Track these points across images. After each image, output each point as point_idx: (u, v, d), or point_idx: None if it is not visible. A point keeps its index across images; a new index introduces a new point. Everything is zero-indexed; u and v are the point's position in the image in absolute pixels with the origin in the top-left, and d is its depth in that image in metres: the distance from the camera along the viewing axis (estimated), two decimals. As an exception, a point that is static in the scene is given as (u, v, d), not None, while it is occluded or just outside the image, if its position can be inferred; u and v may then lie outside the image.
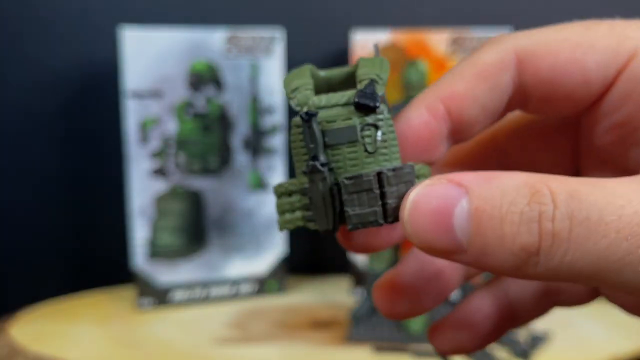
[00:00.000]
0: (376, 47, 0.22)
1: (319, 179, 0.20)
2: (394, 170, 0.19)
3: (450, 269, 0.24)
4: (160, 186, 0.67)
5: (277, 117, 0.70)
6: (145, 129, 0.65)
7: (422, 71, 0.68)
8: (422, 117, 0.21)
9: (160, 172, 0.67)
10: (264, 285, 0.72)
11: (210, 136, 0.68)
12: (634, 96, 0.20)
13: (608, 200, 0.16)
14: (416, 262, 0.24)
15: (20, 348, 0.58)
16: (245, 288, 0.71)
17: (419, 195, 0.18)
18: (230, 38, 0.67)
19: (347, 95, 0.20)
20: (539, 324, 0.62)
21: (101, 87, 0.73)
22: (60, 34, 0.72)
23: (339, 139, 0.20)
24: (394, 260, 0.68)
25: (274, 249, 0.72)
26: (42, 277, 0.75)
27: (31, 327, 0.63)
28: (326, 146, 0.20)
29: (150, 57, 0.64)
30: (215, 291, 0.70)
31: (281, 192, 0.21)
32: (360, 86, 0.20)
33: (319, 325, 0.64)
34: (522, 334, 0.60)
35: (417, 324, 0.60)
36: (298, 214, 0.21)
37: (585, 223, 0.16)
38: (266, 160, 0.70)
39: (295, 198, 0.21)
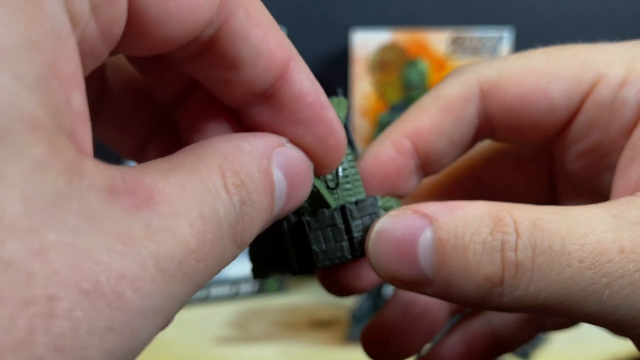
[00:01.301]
0: (340, 89, 0.22)
1: (284, 219, 0.19)
2: (356, 203, 0.19)
3: (436, 307, 0.24)
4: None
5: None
6: (145, 128, 0.65)
7: (422, 71, 0.68)
8: (389, 153, 0.21)
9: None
10: (264, 285, 0.72)
11: (210, 136, 0.68)
12: (600, 123, 0.20)
13: (571, 229, 0.16)
14: (401, 303, 0.24)
15: (20, 348, 0.58)
16: (245, 288, 0.71)
17: (383, 225, 0.17)
18: (230, 38, 0.67)
19: None
20: (539, 324, 0.62)
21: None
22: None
23: None
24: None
25: (274, 248, 0.72)
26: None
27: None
28: None
29: (150, 57, 0.64)
30: (215, 291, 0.70)
31: (252, 242, 0.21)
32: None
33: (319, 325, 0.64)
34: (522, 334, 0.61)
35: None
36: (269, 261, 0.20)
37: (547, 252, 0.16)
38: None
39: (264, 246, 0.21)
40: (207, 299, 0.70)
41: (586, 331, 0.62)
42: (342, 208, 0.19)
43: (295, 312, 0.67)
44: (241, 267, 0.71)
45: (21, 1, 0.11)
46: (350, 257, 0.19)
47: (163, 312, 0.12)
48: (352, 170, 0.20)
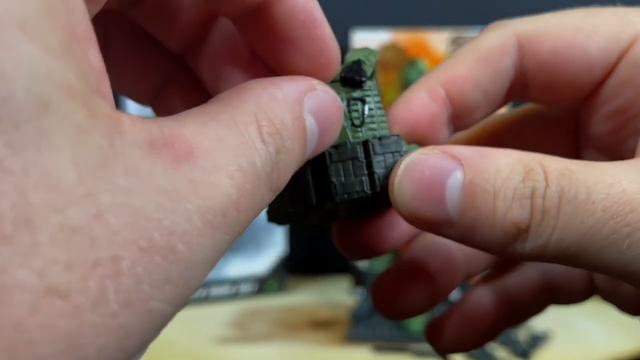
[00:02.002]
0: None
1: None
2: (380, 139, 0.19)
3: (452, 266, 0.24)
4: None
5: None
6: (145, 128, 0.65)
7: (422, 71, 0.68)
8: (423, 100, 0.21)
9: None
10: (264, 285, 0.72)
11: (210, 136, 0.68)
12: (634, 82, 0.20)
13: (597, 179, 0.16)
14: (416, 258, 0.24)
15: (20, 348, 0.58)
16: (245, 288, 0.71)
17: (412, 163, 0.17)
18: (230, 38, 0.67)
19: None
20: (539, 324, 0.62)
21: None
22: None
23: None
24: (394, 260, 0.67)
25: (274, 248, 0.72)
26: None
27: (31, 327, 0.63)
28: None
29: (150, 57, 0.64)
30: (215, 291, 0.70)
31: None
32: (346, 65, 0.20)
33: (319, 325, 0.64)
34: (522, 334, 0.60)
35: (417, 324, 0.60)
36: (285, 198, 0.20)
37: (573, 201, 0.16)
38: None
39: None
40: (207, 299, 0.70)
41: (586, 331, 0.62)
42: (365, 142, 0.19)
43: (295, 312, 0.67)
44: (241, 267, 0.71)
45: None
46: (369, 192, 0.19)
47: (210, 261, 0.13)
48: (379, 112, 0.20)
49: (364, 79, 0.19)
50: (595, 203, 0.16)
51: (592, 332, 0.62)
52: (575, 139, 0.24)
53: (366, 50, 0.21)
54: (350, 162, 0.19)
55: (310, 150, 0.17)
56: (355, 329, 0.61)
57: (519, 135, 0.25)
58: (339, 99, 0.18)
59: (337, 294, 0.72)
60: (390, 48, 0.69)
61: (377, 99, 0.20)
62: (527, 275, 0.25)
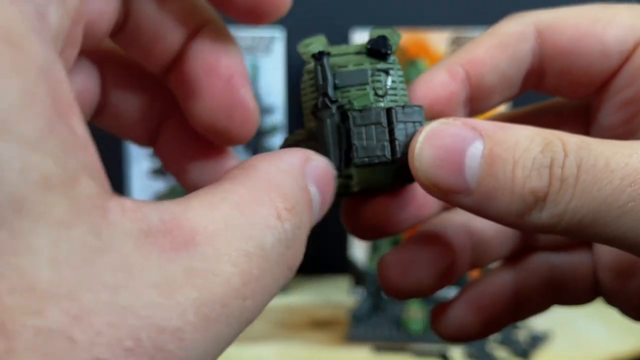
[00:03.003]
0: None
1: (327, 115, 0.20)
2: (403, 107, 0.19)
3: (459, 249, 0.24)
4: (160, 186, 0.67)
5: (277, 117, 0.70)
6: (145, 128, 0.65)
7: (422, 71, 0.68)
8: (442, 78, 0.22)
9: (160, 172, 0.67)
10: (264, 285, 0.72)
11: (210, 136, 0.68)
12: None
13: (616, 150, 0.16)
14: (426, 237, 0.24)
15: (20, 348, 0.58)
16: (245, 288, 0.71)
17: (432, 130, 0.18)
18: (230, 38, 0.67)
19: (359, 45, 0.20)
20: (539, 324, 0.62)
21: (101, 87, 0.72)
22: (60, 33, 0.72)
23: (349, 81, 0.20)
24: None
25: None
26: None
27: (31, 327, 0.63)
28: (336, 88, 0.20)
29: (150, 57, 0.64)
30: (215, 291, 0.70)
31: (288, 145, 0.21)
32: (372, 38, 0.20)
33: (319, 325, 0.64)
34: (522, 334, 0.60)
35: (416, 324, 0.60)
36: None
37: (592, 170, 0.16)
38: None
39: (301, 146, 0.20)
40: (207, 299, 0.70)
41: (586, 331, 0.62)
42: (389, 109, 0.19)
43: (295, 312, 0.67)
44: (241, 267, 0.71)
45: (4, 50, 0.10)
46: (390, 157, 0.19)
47: (210, 355, 0.12)
48: (401, 85, 0.20)
49: (389, 52, 0.20)
50: (614, 171, 0.16)
51: (592, 332, 0.62)
52: (587, 132, 0.24)
53: (389, 30, 0.21)
54: (373, 126, 0.19)
55: (315, 221, 0.17)
56: (355, 329, 0.61)
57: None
58: (330, 165, 0.18)
59: (337, 294, 0.72)
60: (390, 48, 0.69)
61: (399, 72, 0.20)
62: (533, 270, 0.25)
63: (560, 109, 0.25)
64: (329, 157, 0.19)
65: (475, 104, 0.22)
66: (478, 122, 0.18)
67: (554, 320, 0.63)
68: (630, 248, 0.17)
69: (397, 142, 0.19)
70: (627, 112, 0.22)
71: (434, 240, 0.23)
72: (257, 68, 0.69)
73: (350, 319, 0.62)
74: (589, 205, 0.16)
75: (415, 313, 0.60)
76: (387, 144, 0.19)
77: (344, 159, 0.19)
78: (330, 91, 0.20)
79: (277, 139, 0.70)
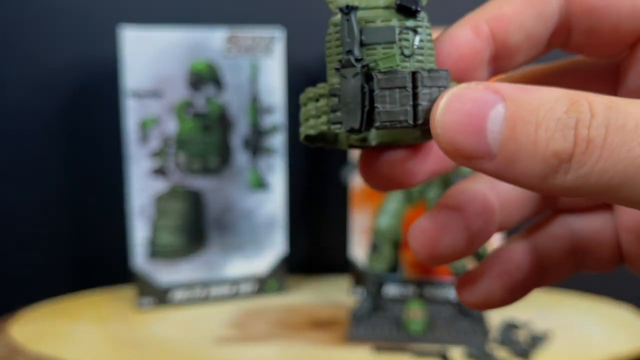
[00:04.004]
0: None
1: (351, 74, 0.19)
2: (429, 71, 0.19)
3: (487, 211, 0.24)
4: (160, 186, 0.67)
5: (277, 117, 0.70)
6: (145, 128, 0.65)
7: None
8: (467, 35, 0.21)
9: (160, 172, 0.67)
10: (264, 285, 0.72)
11: (210, 136, 0.68)
12: None
13: None
14: (455, 202, 0.23)
15: (20, 348, 0.58)
16: (245, 288, 0.71)
17: (454, 95, 0.17)
18: (230, 38, 0.67)
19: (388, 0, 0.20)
20: (539, 324, 0.62)
21: (101, 86, 0.73)
22: (61, 33, 0.72)
23: (376, 38, 0.19)
24: (394, 260, 0.67)
25: (274, 248, 0.72)
26: (42, 277, 0.75)
27: (31, 327, 0.63)
28: (362, 45, 0.19)
29: (150, 57, 0.64)
30: (215, 291, 0.70)
31: (308, 98, 0.20)
32: None
33: (319, 325, 0.64)
34: (522, 334, 0.60)
35: (417, 324, 0.60)
36: (324, 118, 0.20)
37: (620, 131, 0.16)
38: (266, 160, 0.70)
39: (322, 102, 0.20)
40: (207, 299, 0.70)
41: (586, 331, 0.62)
42: (414, 73, 0.19)
43: (295, 312, 0.67)
44: (241, 267, 0.71)
45: None
46: (412, 123, 0.19)
47: None
48: (428, 44, 0.20)
49: (419, 9, 0.19)
50: None
51: (592, 332, 0.62)
52: (615, 93, 0.24)
53: None
54: (397, 90, 0.19)
55: None
56: (355, 329, 0.61)
57: (557, 86, 0.25)
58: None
59: (337, 294, 0.72)
60: (390, 48, 0.69)
61: (428, 31, 0.20)
62: (555, 235, 0.25)
63: (587, 68, 0.24)
64: (350, 116, 0.19)
65: (499, 62, 0.22)
66: (501, 85, 0.17)
67: (554, 320, 0.63)
68: None
69: (420, 107, 0.19)
70: None
71: (464, 203, 0.23)
72: (257, 68, 0.69)
73: (350, 319, 0.62)
74: (616, 167, 0.16)
75: (415, 313, 0.60)
76: (410, 108, 0.19)
77: (365, 120, 0.19)
78: (355, 49, 0.19)
79: (277, 139, 0.70)
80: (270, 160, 0.70)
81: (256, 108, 0.69)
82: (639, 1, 0.20)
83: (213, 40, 0.67)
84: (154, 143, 0.66)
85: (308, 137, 0.21)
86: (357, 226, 0.71)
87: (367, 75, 0.19)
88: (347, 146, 0.21)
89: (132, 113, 0.64)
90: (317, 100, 0.20)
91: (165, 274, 0.68)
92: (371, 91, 0.19)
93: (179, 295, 0.69)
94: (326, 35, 0.20)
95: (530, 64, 0.24)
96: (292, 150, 0.73)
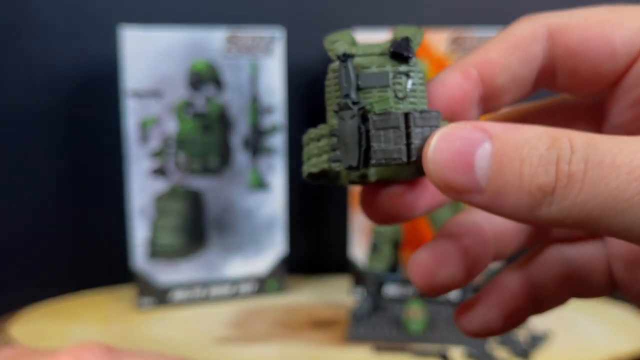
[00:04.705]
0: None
1: (348, 116, 0.20)
2: (421, 112, 0.20)
3: (483, 241, 0.25)
4: (160, 186, 0.67)
5: (277, 117, 0.70)
6: (145, 128, 0.65)
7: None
8: (456, 79, 0.23)
9: (160, 172, 0.67)
10: (264, 285, 0.72)
11: (210, 136, 0.68)
12: None
13: (623, 147, 0.17)
14: (451, 235, 0.24)
15: (20, 348, 0.58)
16: (245, 288, 0.71)
17: (444, 134, 0.19)
18: (230, 38, 0.67)
19: (382, 46, 0.21)
20: (539, 324, 0.62)
21: (101, 86, 0.73)
22: (61, 33, 0.72)
23: (371, 83, 0.21)
24: (394, 261, 0.68)
25: (274, 248, 0.72)
26: (42, 277, 0.75)
27: (31, 327, 0.63)
28: (358, 89, 0.21)
29: (150, 57, 0.64)
30: (215, 291, 0.70)
31: (310, 139, 0.22)
32: (395, 40, 0.21)
33: (319, 325, 0.64)
34: (522, 333, 0.60)
35: (417, 324, 0.60)
36: (324, 157, 0.21)
37: (599, 166, 0.17)
38: (266, 160, 0.70)
39: (323, 142, 0.22)
40: (207, 299, 0.70)
41: (586, 331, 0.62)
42: (407, 114, 0.20)
43: (295, 312, 0.67)
44: (241, 267, 0.71)
45: None
46: (405, 160, 0.20)
47: None
48: (421, 87, 0.21)
49: (410, 55, 0.21)
50: (621, 167, 0.17)
51: (592, 332, 0.62)
52: (599, 129, 0.25)
53: (413, 29, 0.22)
54: (391, 130, 0.20)
55: None
56: (355, 329, 0.61)
57: (544, 123, 0.26)
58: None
59: (337, 294, 0.72)
60: (390, 48, 0.69)
61: (420, 75, 0.21)
62: (549, 264, 0.26)
63: (573, 105, 0.26)
64: (349, 155, 0.21)
65: (488, 103, 0.23)
66: (488, 124, 0.18)
67: (554, 320, 0.63)
68: (637, 240, 0.17)
69: (413, 145, 0.20)
70: (636, 111, 0.23)
71: (460, 235, 0.24)
72: (257, 68, 0.69)
73: (350, 319, 0.62)
74: (596, 199, 0.17)
75: (415, 313, 0.60)
76: (403, 147, 0.20)
77: (362, 158, 0.20)
78: (352, 93, 0.21)
79: (277, 139, 0.70)
80: (270, 160, 0.70)
81: (256, 108, 0.69)
82: (615, 46, 0.22)
83: (213, 40, 0.67)
84: (154, 143, 0.66)
85: (311, 175, 0.22)
86: (357, 226, 0.71)
87: (364, 117, 0.20)
88: (348, 182, 0.23)
89: (132, 113, 0.64)
90: (318, 140, 0.22)
91: (165, 274, 0.68)
92: (367, 131, 0.20)
93: (179, 295, 0.69)
94: (325, 80, 0.22)
95: (520, 103, 0.25)
96: (292, 150, 0.73)
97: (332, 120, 0.21)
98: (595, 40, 0.22)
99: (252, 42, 0.68)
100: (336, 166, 0.21)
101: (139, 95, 0.64)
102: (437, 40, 0.68)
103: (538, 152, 0.17)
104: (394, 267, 0.69)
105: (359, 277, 0.71)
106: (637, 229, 0.17)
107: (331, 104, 0.21)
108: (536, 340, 0.59)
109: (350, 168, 0.21)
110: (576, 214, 0.17)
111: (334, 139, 0.21)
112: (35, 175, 0.73)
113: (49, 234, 0.75)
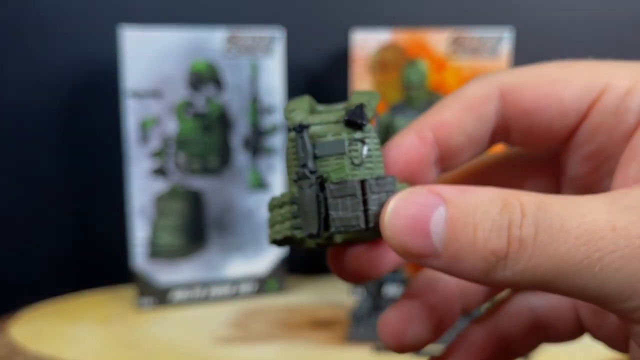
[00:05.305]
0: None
1: (307, 185, 0.21)
2: (376, 179, 0.21)
3: (449, 298, 0.25)
4: (160, 186, 0.67)
5: (277, 117, 0.70)
6: (145, 128, 0.65)
7: (422, 71, 0.68)
8: (412, 142, 0.23)
9: (160, 172, 0.67)
10: (264, 285, 0.72)
11: (210, 136, 0.68)
12: (604, 128, 0.22)
13: (571, 211, 0.17)
14: (418, 292, 0.25)
15: (20, 348, 0.58)
16: (245, 288, 0.71)
17: (400, 201, 0.19)
18: (230, 38, 0.67)
19: (338, 114, 0.22)
20: (539, 324, 0.62)
21: (101, 86, 0.73)
22: (61, 33, 0.72)
23: (327, 151, 0.21)
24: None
25: (274, 248, 0.72)
26: (42, 277, 0.75)
27: (31, 327, 0.63)
28: (315, 157, 0.21)
29: (150, 57, 0.64)
30: (215, 291, 0.70)
31: (273, 205, 0.22)
32: (350, 108, 0.22)
33: (319, 325, 0.64)
34: (522, 333, 0.60)
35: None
36: (287, 224, 0.22)
37: (548, 230, 0.17)
38: (266, 160, 0.70)
39: (285, 209, 0.22)
40: (207, 299, 0.70)
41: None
42: (363, 181, 0.20)
43: (295, 312, 0.67)
44: (241, 267, 0.71)
45: None
46: (364, 227, 0.20)
47: None
48: (376, 153, 0.22)
49: (365, 123, 0.21)
50: (569, 231, 0.17)
51: (592, 332, 0.62)
52: (556, 180, 0.25)
53: (368, 94, 0.23)
54: (348, 198, 0.20)
55: None
56: (355, 329, 0.61)
57: (503, 176, 0.27)
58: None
59: (337, 294, 0.72)
60: (390, 48, 0.69)
61: (375, 140, 0.22)
62: (515, 313, 0.26)
63: (531, 158, 0.26)
64: (309, 222, 0.21)
65: (445, 162, 0.24)
66: (442, 188, 0.19)
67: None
68: (592, 300, 0.18)
69: (370, 212, 0.20)
70: (591, 164, 0.23)
71: (427, 293, 0.25)
72: (257, 68, 0.69)
73: (350, 319, 0.62)
74: (547, 263, 0.17)
75: (415, 313, 0.60)
76: (361, 214, 0.20)
77: (322, 224, 0.21)
78: (309, 163, 0.21)
79: (277, 139, 0.70)
80: (270, 160, 0.70)
81: (256, 108, 0.69)
82: (565, 104, 0.22)
83: (213, 40, 0.67)
84: (154, 143, 0.66)
85: (275, 241, 0.23)
86: (357, 226, 0.71)
87: (322, 185, 0.21)
88: (314, 245, 0.23)
89: (132, 113, 0.64)
90: (280, 207, 0.22)
91: (165, 274, 0.68)
92: (326, 199, 0.21)
93: (179, 295, 0.69)
94: (285, 148, 0.22)
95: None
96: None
97: (293, 188, 0.22)
98: (546, 99, 0.22)
99: (252, 42, 0.68)
100: (298, 233, 0.22)
101: (139, 95, 0.64)
102: (437, 40, 0.68)
103: (490, 217, 0.18)
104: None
105: (359, 277, 0.71)
106: (591, 290, 0.17)
107: (291, 172, 0.22)
108: (536, 340, 0.59)
109: (311, 236, 0.21)
110: (530, 277, 0.17)
111: (295, 207, 0.21)
112: (35, 175, 0.73)
113: (49, 234, 0.75)
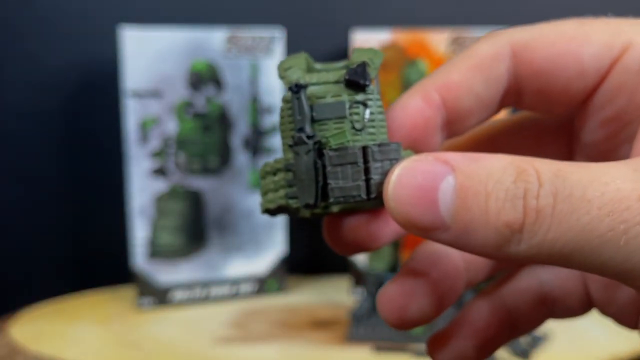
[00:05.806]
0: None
1: (303, 151, 0.19)
2: (379, 145, 0.19)
3: (453, 271, 0.24)
4: (160, 186, 0.67)
5: (277, 117, 0.70)
6: (145, 128, 0.65)
7: (422, 71, 0.68)
8: (418, 105, 0.21)
9: (160, 172, 0.67)
10: (264, 285, 0.72)
11: (210, 136, 0.68)
12: (626, 88, 0.20)
13: (592, 178, 0.16)
14: (420, 266, 0.23)
15: (20, 348, 0.58)
16: (245, 288, 0.71)
17: (404, 169, 0.17)
18: (230, 38, 0.67)
19: (338, 73, 0.20)
20: (539, 324, 0.62)
21: (101, 86, 0.73)
22: (61, 33, 0.72)
23: (326, 114, 0.19)
24: (394, 260, 0.67)
25: (274, 248, 0.72)
26: (42, 277, 0.75)
27: (31, 327, 0.63)
28: (313, 121, 0.19)
29: (150, 57, 0.64)
30: (215, 291, 0.70)
31: (266, 172, 0.21)
32: (351, 67, 0.20)
33: (319, 325, 0.64)
34: (522, 333, 0.60)
35: (417, 323, 0.60)
36: (281, 192, 0.20)
37: (568, 200, 0.16)
38: (266, 160, 0.70)
39: (279, 176, 0.20)
40: (207, 299, 0.70)
41: (586, 331, 0.62)
42: (365, 148, 0.19)
43: (295, 312, 0.67)
44: (241, 267, 0.71)
45: None
46: (365, 197, 0.19)
47: None
48: (379, 117, 0.20)
49: (367, 83, 0.19)
50: (591, 201, 0.16)
51: (592, 332, 0.62)
52: (569, 147, 0.24)
53: (371, 51, 0.21)
54: (349, 166, 0.19)
55: None
56: (355, 329, 0.61)
57: (513, 142, 0.25)
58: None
59: (337, 294, 0.72)
60: (390, 48, 0.69)
61: (378, 103, 0.20)
62: (523, 288, 0.25)
63: (542, 123, 0.24)
64: (305, 192, 0.19)
65: (452, 127, 0.22)
66: (450, 155, 0.17)
67: (554, 320, 0.63)
68: (611, 275, 0.16)
69: (372, 181, 0.19)
70: (609, 129, 0.22)
71: (429, 267, 0.23)
72: (257, 68, 0.69)
73: (350, 319, 0.62)
74: (567, 235, 0.16)
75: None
76: (362, 183, 0.19)
77: (320, 194, 0.19)
78: (307, 127, 0.19)
79: (277, 139, 0.70)
80: (270, 160, 0.70)
81: (256, 108, 0.69)
82: (584, 63, 0.21)
83: (213, 40, 0.67)
84: (154, 143, 0.66)
85: (268, 210, 0.21)
86: (357, 226, 0.71)
87: (320, 151, 0.19)
88: (310, 215, 0.21)
89: (132, 113, 0.64)
90: (274, 174, 0.20)
91: (165, 274, 0.68)
92: (324, 167, 0.19)
93: (179, 295, 0.69)
94: (279, 110, 0.20)
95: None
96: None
97: (288, 153, 0.20)
98: (562, 58, 0.21)
99: (252, 42, 0.68)
100: (293, 203, 0.20)
101: (139, 95, 0.64)
102: (437, 40, 0.68)
103: (504, 186, 0.16)
104: (394, 267, 0.69)
105: (359, 277, 0.71)
106: (612, 265, 0.16)
107: (286, 137, 0.20)
108: (536, 340, 0.59)
109: (307, 206, 0.19)
110: (547, 251, 0.16)
111: (290, 174, 0.20)
112: (35, 175, 0.73)
113: (49, 234, 0.75)
